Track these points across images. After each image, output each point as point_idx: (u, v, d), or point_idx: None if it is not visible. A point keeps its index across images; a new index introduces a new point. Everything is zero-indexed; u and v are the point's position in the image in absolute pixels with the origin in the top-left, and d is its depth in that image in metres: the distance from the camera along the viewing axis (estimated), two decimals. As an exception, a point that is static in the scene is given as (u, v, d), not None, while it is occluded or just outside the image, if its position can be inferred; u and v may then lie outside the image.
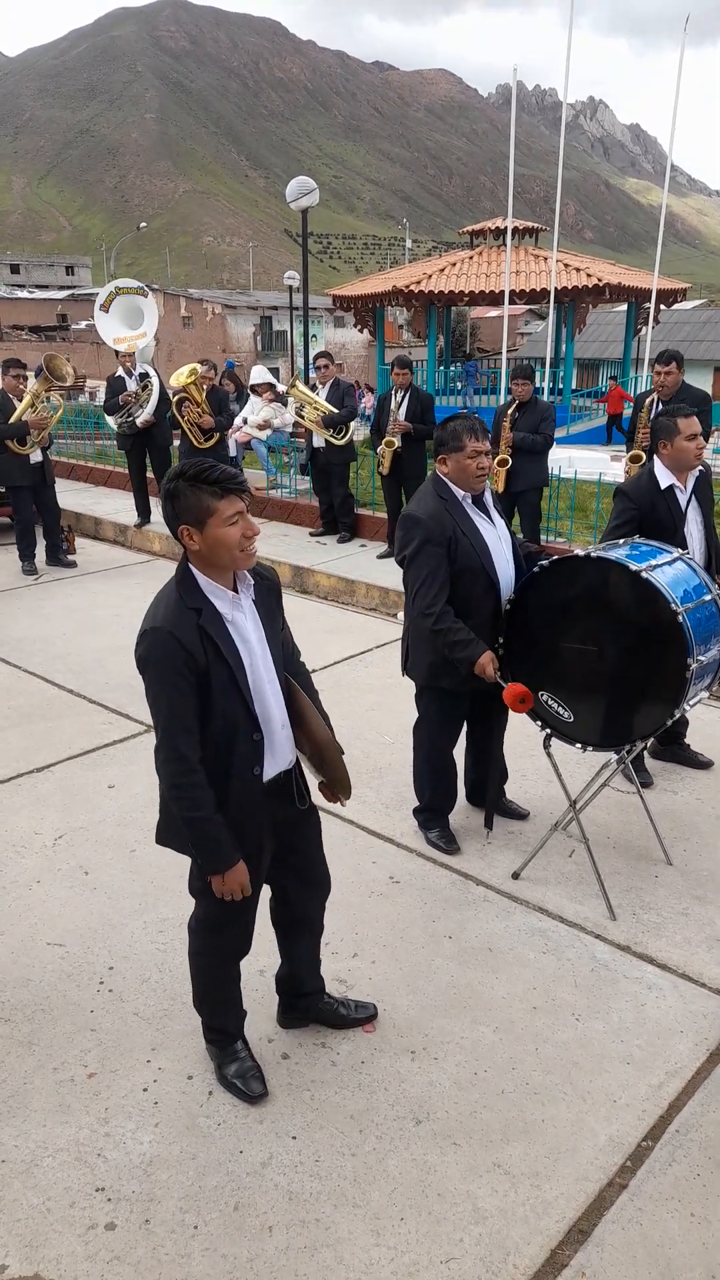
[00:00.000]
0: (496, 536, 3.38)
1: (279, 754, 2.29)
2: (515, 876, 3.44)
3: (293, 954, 2.63)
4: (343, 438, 7.90)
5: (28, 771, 4.25)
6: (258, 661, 2.21)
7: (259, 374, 10.73)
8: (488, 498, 3.42)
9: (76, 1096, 2.46)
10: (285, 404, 10.53)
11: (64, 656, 5.70)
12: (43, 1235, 2.09)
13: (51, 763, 4.33)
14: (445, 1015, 2.77)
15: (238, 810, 2.23)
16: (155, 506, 8.76)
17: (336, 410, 7.89)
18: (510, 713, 3.50)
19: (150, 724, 4.66)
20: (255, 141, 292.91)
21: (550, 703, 3.30)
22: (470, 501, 3.35)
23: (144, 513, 8.73)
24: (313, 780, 2.49)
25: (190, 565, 2.16)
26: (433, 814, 3.70)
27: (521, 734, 3.99)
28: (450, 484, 3.34)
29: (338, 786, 2.44)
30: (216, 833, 2.17)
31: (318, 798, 2.50)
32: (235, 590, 2.20)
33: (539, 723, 3.37)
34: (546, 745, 3.37)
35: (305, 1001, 2.68)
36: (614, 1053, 2.63)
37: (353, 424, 7.96)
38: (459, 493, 3.33)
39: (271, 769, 2.29)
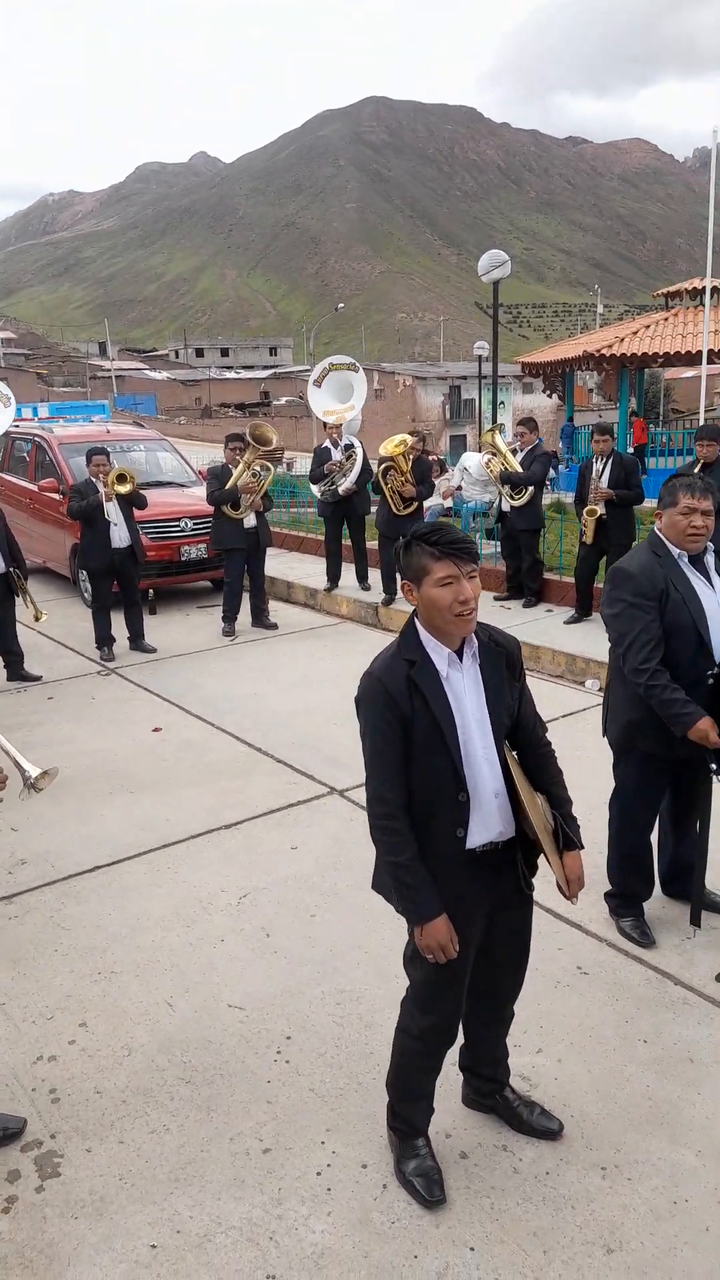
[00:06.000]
0: (715, 599, 3.19)
1: (489, 822, 2.20)
2: (720, 979, 3.13)
3: (476, 1044, 2.50)
4: (520, 498, 7.87)
5: (217, 828, 4.37)
6: (470, 723, 2.16)
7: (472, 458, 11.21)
8: (709, 559, 3.26)
9: (251, 1172, 2.42)
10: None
11: (254, 715, 5.88)
12: (213, 1317, 2.04)
13: (239, 820, 4.43)
14: (639, 1131, 2.52)
15: (439, 871, 2.17)
16: (346, 572, 9.00)
17: (521, 470, 7.90)
18: (714, 793, 3.24)
19: (333, 787, 4.73)
20: (448, 221, 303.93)
21: (763, 787, 3.01)
22: (687, 560, 3.20)
23: (334, 578, 8.97)
24: (547, 870, 2.33)
25: (416, 619, 2.20)
26: (626, 901, 3.45)
27: (727, 819, 3.67)
28: (666, 541, 3.21)
29: (565, 884, 2.30)
30: (416, 881, 2.14)
31: (550, 891, 2.31)
32: (460, 650, 2.18)
33: (749, 808, 3.09)
34: (757, 834, 3.07)
35: (487, 1086, 2.54)
36: None
37: (529, 489, 7.91)
38: (675, 550, 3.19)
39: (480, 836, 2.20)
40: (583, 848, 2.32)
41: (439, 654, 2.16)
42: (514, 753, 2.26)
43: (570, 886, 2.28)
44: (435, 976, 2.24)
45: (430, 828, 2.16)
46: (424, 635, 2.17)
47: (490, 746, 2.19)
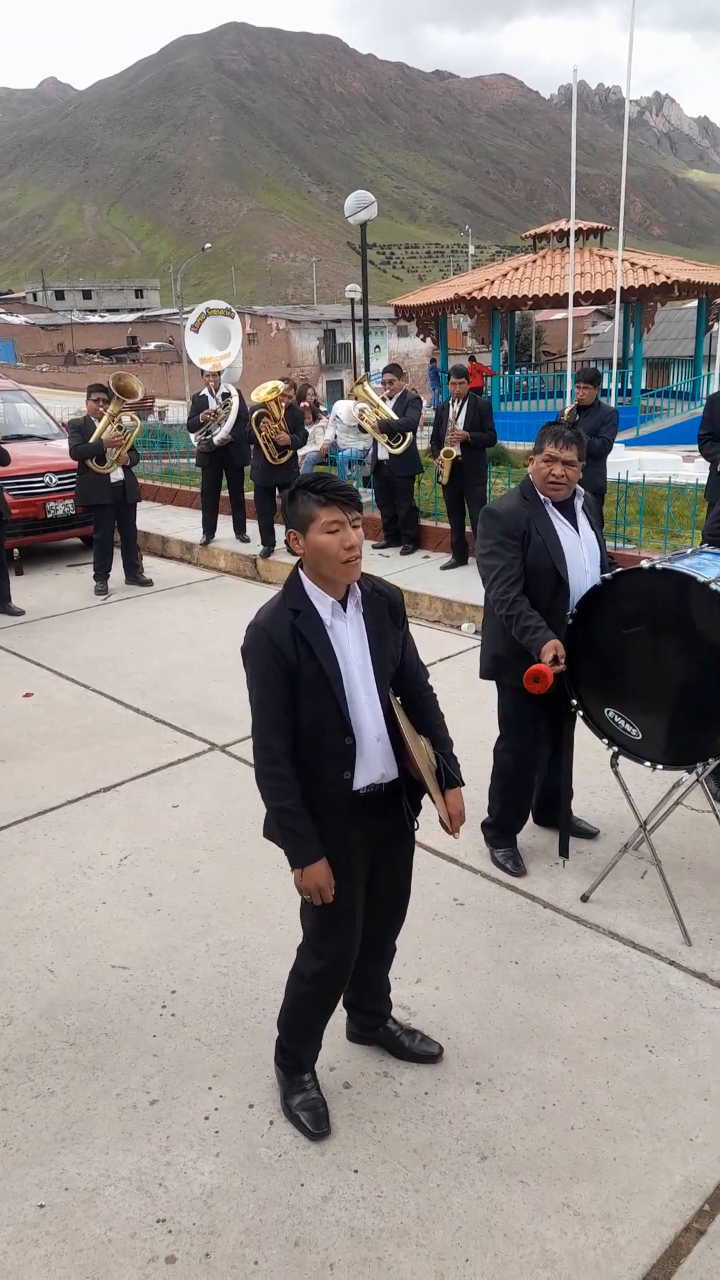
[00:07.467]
0: (578, 542, 3.35)
1: (371, 765, 2.27)
2: (584, 899, 3.34)
3: (360, 978, 2.58)
4: (399, 445, 7.90)
5: (95, 791, 4.31)
6: (354, 670, 2.22)
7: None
8: (577, 504, 3.41)
9: (138, 1124, 2.46)
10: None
11: (131, 675, 5.79)
12: (104, 1267, 2.08)
13: (118, 782, 4.38)
14: (511, 1045, 2.69)
15: (325, 813, 2.24)
16: (223, 524, 8.87)
17: (397, 418, 7.90)
18: (576, 728, 3.40)
19: (214, 743, 4.73)
20: (317, 157, 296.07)
21: (617, 719, 3.19)
22: (553, 505, 3.34)
23: (209, 530, 8.83)
24: (431, 809, 2.41)
25: (300, 570, 2.23)
26: (501, 832, 3.62)
27: (590, 749, 3.87)
28: (534, 485, 3.35)
29: (448, 819, 2.39)
30: (298, 825, 2.20)
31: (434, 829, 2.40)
32: (344, 600, 2.23)
33: (605, 740, 3.27)
34: (614, 764, 3.26)
35: (370, 1020, 2.65)
36: (690, 1088, 2.51)
37: (409, 435, 7.95)
38: (542, 495, 3.32)
39: (364, 778, 2.27)
40: (464, 784, 2.42)
41: (323, 603, 2.21)
42: (398, 698, 2.33)
43: (453, 822, 2.38)
44: (322, 918, 2.31)
45: (317, 771, 2.23)
46: (308, 585, 2.22)
47: (373, 692, 2.25)
